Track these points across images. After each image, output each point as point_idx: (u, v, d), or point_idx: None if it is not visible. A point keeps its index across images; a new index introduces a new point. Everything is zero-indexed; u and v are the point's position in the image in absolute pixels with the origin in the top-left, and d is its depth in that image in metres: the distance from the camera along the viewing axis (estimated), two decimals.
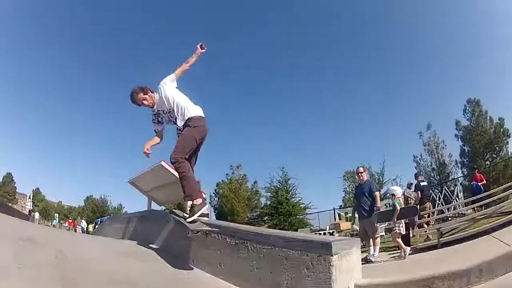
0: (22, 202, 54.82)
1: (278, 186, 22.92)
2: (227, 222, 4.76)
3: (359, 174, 7.41)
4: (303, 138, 56.62)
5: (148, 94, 4.19)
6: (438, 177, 26.79)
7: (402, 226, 6.54)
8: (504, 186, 11.80)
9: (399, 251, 6.41)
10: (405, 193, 9.54)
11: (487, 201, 9.48)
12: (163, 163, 11.33)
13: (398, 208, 6.54)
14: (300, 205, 22.49)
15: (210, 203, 31.54)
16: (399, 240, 6.39)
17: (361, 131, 53.07)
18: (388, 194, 10.74)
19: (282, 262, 2.78)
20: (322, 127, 56.27)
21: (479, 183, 12.44)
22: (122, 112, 57.65)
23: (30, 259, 3.05)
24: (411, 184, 10.55)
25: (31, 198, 56.35)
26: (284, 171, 22.99)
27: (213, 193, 32.56)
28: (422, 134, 27.94)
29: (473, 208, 9.71)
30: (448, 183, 24.11)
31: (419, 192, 9.65)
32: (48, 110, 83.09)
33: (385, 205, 6.99)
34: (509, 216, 7.03)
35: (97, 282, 2.89)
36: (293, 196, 22.55)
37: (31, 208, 51.64)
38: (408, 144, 53.02)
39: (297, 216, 21.67)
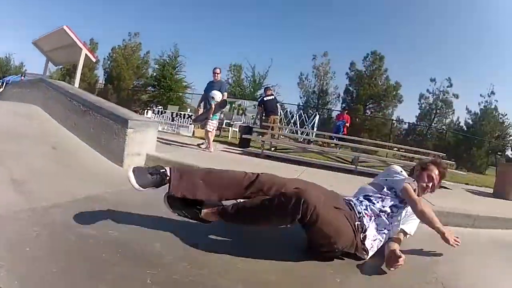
0: None
1: (167, 61, 24.27)
2: (85, 92, 6.05)
3: (215, 74, 8.14)
4: (206, 24, 53.22)
5: None
6: (317, 101, 28.77)
7: (213, 126, 7.36)
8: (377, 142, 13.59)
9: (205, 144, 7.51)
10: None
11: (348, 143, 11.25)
12: (65, 27, 12.28)
13: (213, 107, 7.20)
14: (182, 83, 24.39)
15: (102, 65, 32.37)
16: (209, 136, 7.26)
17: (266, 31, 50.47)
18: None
19: (104, 127, 4.51)
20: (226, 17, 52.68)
21: (345, 124, 14.05)
22: None
23: None
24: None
25: None
26: (177, 48, 24.43)
27: (107, 57, 32.56)
28: (316, 57, 28.97)
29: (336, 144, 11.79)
30: (323, 110, 26.93)
31: (262, 105, 11.36)
32: None
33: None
34: (332, 162, 8.58)
35: (3, 136, 4.28)
36: (178, 73, 24.31)
37: None
38: (301, 60, 53.41)
39: (177, 93, 23.49)
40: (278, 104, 13.15)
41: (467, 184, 10.42)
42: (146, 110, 18.76)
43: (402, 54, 42.37)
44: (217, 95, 7.32)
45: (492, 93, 26.19)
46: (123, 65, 30.08)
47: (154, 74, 25.05)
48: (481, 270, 2.70)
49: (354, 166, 7.73)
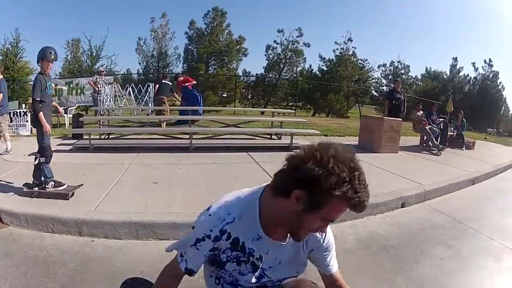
0: None
1: (9, 49, 22.60)
2: None
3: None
4: None
5: None
6: (157, 64, 28.34)
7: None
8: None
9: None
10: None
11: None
12: None
13: None
14: (25, 69, 22.52)
15: None
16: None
17: None
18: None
19: None
20: None
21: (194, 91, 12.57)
22: None
23: None
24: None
25: None
26: (18, 32, 22.62)
27: None
28: (154, 20, 27.94)
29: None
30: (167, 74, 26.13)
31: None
32: None
33: None
34: (166, 141, 8.78)
35: None
36: (20, 60, 22.65)
37: None
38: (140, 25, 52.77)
39: (21, 82, 21.67)
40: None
41: (325, 135, 10.80)
42: None
43: (246, 8, 43.96)
44: None
45: (349, 40, 28.55)
46: None
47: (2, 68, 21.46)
48: None
49: (189, 142, 7.98)
